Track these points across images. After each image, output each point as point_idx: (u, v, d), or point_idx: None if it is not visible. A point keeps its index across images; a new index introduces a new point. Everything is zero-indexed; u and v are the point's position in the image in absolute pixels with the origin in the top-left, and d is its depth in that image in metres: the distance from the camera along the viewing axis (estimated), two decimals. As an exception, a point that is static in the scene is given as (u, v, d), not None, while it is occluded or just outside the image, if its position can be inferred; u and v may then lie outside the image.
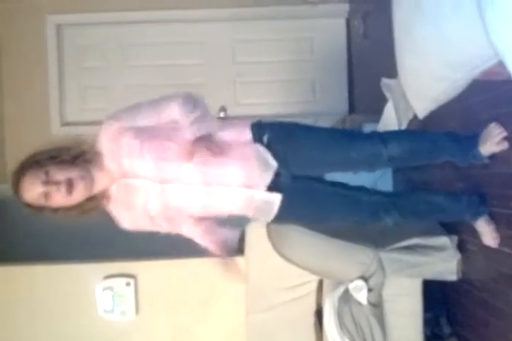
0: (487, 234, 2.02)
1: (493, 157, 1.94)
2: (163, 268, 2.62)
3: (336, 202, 1.95)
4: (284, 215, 1.92)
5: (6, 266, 2.64)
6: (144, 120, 1.80)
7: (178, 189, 1.80)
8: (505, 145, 1.88)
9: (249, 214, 1.93)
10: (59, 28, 4.34)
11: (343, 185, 2.00)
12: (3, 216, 3.44)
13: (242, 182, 1.82)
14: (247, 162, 1.81)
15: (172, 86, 4.31)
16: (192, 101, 1.80)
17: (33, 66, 4.27)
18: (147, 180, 1.78)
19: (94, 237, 3.41)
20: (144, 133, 1.77)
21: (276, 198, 1.86)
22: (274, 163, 1.84)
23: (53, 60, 4.33)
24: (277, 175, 1.86)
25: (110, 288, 2.53)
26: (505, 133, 1.88)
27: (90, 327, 2.59)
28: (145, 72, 4.40)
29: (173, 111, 1.79)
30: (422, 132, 2.25)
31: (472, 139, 1.95)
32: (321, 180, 2.00)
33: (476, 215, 2.04)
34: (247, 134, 1.86)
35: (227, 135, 1.85)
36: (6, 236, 3.42)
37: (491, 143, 1.90)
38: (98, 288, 2.54)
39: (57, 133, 4.25)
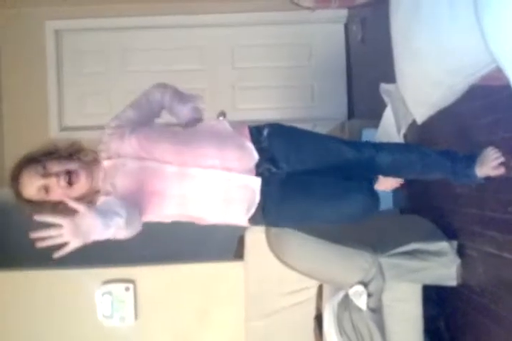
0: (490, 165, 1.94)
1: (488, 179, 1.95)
2: (162, 273, 2.61)
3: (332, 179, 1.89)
4: (274, 206, 1.83)
5: (5, 272, 2.63)
6: (136, 111, 1.90)
7: (156, 167, 1.77)
8: (501, 171, 1.91)
9: (231, 207, 1.82)
10: (58, 33, 4.35)
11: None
12: (1, 221, 3.43)
13: (219, 164, 1.79)
14: (225, 145, 1.81)
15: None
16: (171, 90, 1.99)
17: (32, 71, 4.28)
18: (127, 158, 1.78)
19: (93, 242, 3.41)
20: (141, 129, 1.83)
21: (256, 182, 1.81)
22: (255, 154, 1.82)
23: (52, 65, 4.33)
24: (274, 167, 1.84)
25: (109, 293, 2.52)
26: (502, 159, 1.91)
27: (89, 332, 2.58)
28: (144, 78, 4.38)
29: (156, 95, 1.97)
30: (414, 145, 2.26)
31: (469, 159, 1.97)
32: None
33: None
34: (244, 130, 1.88)
35: (220, 126, 1.89)
36: (5, 241, 3.41)
37: (488, 167, 1.93)
38: (97, 293, 2.53)
39: (56, 138, 4.24)
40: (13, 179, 1.73)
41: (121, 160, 1.78)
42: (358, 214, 1.86)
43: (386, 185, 2.25)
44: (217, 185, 1.79)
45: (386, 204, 2.82)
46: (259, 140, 1.86)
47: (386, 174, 2.12)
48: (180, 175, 1.77)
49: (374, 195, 1.90)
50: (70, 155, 1.77)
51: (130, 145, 1.78)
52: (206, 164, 1.78)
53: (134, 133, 1.80)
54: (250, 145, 1.84)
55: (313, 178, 1.88)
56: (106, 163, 1.79)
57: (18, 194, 1.73)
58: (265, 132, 1.88)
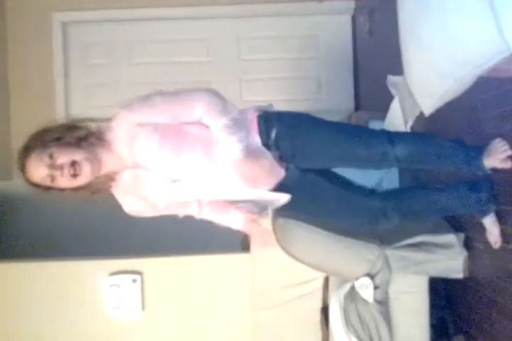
0: (491, 234, 2.04)
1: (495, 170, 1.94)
2: (169, 265, 2.62)
3: (337, 205, 1.98)
4: (287, 207, 1.93)
5: (11, 263, 2.65)
6: (161, 117, 1.74)
7: (189, 186, 1.79)
8: (508, 164, 1.89)
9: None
10: (65, 25, 4.35)
11: (348, 185, 2.01)
12: (9, 212, 3.45)
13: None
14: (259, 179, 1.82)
15: (177, 83, 4.31)
16: (219, 103, 1.74)
17: (38, 63, 4.28)
18: (159, 176, 1.76)
19: (101, 234, 3.43)
20: (163, 127, 1.73)
21: (285, 198, 1.88)
22: (282, 172, 1.84)
23: (59, 57, 4.33)
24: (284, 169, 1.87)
25: (116, 285, 2.53)
26: (510, 152, 1.89)
27: (97, 323, 2.60)
28: (150, 70, 4.39)
29: (197, 114, 1.74)
30: (429, 136, 2.24)
31: (477, 150, 1.95)
32: (327, 174, 1.99)
33: (483, 213, 2.03)
34: (255, 137, 1.81)
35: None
36: (12, 232, 3.43)
37: (495, 159, 1.90)
38: (104, 284, 2.55)
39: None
40: (19, 161, 1.72)
41: (150, 175, 1.77)
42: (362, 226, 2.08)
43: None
44: (247, 197, 1.87)
45: (392, 184, 2.84)
46: (267, 143, 1.82)
47: (398, 167, 2.13)
48: (215, 190, 1.81)
49: (376, 210, 1.98)
50: (79, 141, 1.73)
51: (162, 162, 1.73)
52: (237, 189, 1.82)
53: (166, 149, 1.71)
54: (278, 166, 1.83)
55: (323, 185, 1.95)
56: (133, 171, 1.78)
57: (25, 177, 1.73)
58: (273, 134, 1.82)
